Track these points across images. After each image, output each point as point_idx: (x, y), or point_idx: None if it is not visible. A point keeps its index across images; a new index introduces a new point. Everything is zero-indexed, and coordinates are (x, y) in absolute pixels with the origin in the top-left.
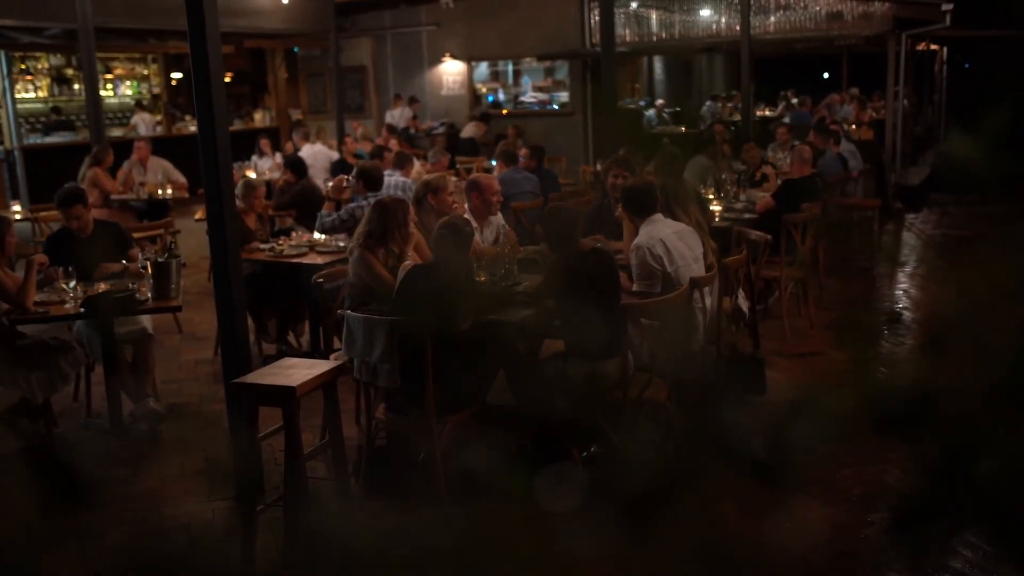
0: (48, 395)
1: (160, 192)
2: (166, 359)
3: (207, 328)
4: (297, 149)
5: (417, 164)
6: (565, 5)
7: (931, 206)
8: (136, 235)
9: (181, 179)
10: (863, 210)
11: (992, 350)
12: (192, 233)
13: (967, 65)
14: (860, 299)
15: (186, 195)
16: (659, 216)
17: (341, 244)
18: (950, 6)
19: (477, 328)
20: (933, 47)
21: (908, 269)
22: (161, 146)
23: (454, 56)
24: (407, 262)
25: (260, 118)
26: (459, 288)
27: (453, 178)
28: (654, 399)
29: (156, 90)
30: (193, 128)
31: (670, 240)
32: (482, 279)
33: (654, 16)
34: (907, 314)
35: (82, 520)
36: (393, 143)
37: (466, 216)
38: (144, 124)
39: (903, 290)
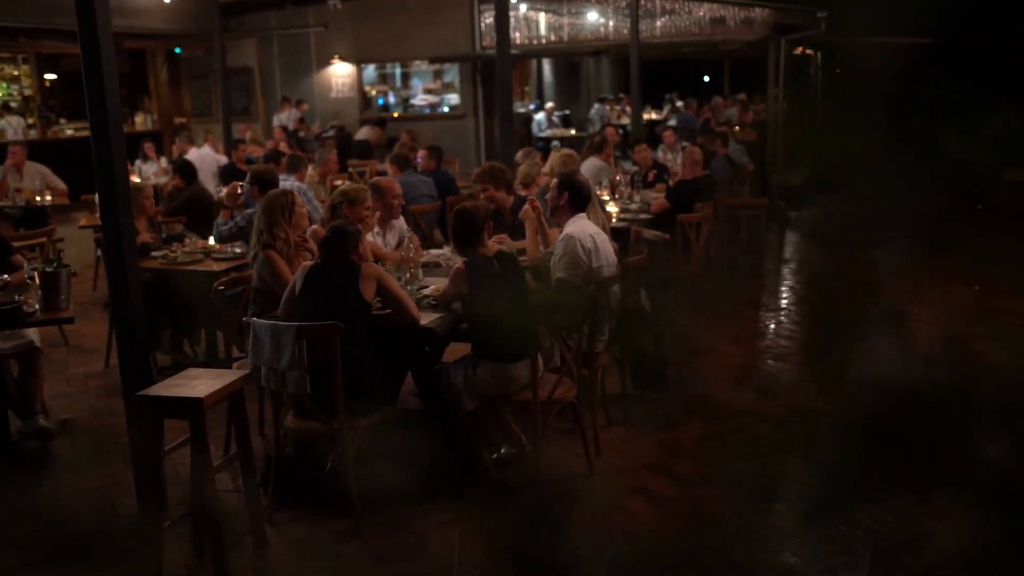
0: None
1: (38, 199)
2: (54, 373)
3: (95, 340)
4: (183, 153)
5: (310, 168)
6: (455, 8)
7: (811, 205)
8: (16, 244)
9: (60, 185)
10: (751, 209)
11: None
12: (74, 241)
13: (838, 70)
14: (755, 297)
15: (66, 201)
16: (584, 215)
17: (238, 251)
18: (824, 13)
19: (383, 331)
20: (809, 52)
21: (794, 266)
22: (36, 150)
23: (343, 58)
24: (306, 263)
25: (141, 121)
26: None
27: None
28: (564, 399)
29: (28, 92)
30: (70, 131)
31: (598, 238)
32: None
33: (543, 19)
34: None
35: None
36: (283, 146)
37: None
38: (12, 128)
39: (789, 286)
